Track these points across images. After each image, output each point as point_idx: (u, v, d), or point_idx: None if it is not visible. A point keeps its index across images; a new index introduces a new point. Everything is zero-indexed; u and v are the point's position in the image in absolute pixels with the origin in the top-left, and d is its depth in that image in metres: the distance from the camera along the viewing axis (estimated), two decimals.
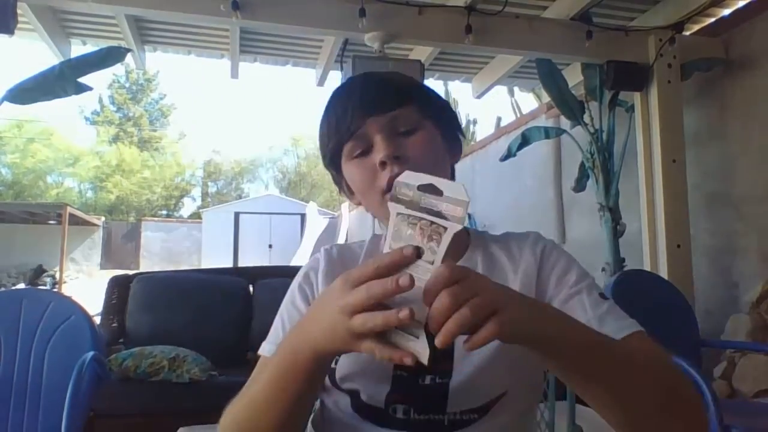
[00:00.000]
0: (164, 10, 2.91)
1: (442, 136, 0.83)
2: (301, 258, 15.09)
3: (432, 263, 0.51)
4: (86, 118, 28.96)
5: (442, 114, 0.85)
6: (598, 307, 0.76)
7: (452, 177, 0.87)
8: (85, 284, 14.00)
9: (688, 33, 3.59)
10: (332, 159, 0.85)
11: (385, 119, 0.78)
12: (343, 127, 0.80)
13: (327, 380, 0.80)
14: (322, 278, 0.85)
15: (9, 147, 23.10)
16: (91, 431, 1.77)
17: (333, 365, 0.78)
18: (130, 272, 3.75)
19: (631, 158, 3.57)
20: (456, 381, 0.74)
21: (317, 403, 0.87)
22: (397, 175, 0.70)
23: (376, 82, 0.83)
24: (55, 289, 11.95)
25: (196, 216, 23.72)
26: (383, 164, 0.77)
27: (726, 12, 3.54)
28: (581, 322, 0.68)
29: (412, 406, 0.74)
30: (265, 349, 0.83)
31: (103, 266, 17.13)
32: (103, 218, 18.99)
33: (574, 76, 3.98)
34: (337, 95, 0.84)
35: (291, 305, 0.86)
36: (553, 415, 1.42)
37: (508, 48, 3.46)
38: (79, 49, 3.91)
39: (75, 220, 14.92)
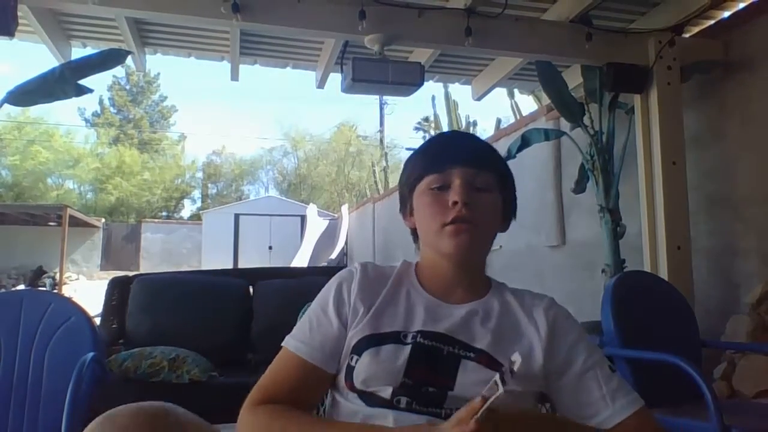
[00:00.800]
0: (164, 13, 2.91)
1: (503, 207, 1.01)
2: (301, 259, 15.08)
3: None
4: (86, 120, 29.03)
5: (510, 191, 1.04)
6: (610, 382, 0.92)
7: (493, 238, 1.03)
8: (85, 285, 14.00)
9: (687, 35, 3.60)
10: (412, 182, 1.00)
11: (469, 171, 0.95)
12: (435, 162, 0.97)
13: (343, 380, 0.92)
14: (356, 289, 0.97)
15: (9, 149, 23.12)
16: None
17: (353, 364, 0.91)
18: (130, 273, 3.75)
19: (631, 160, 3.57)
20: (456, 391, 0.87)
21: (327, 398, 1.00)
22: (464, 216, 0.92)
23: (474, 142, 1.03)
24: (55, 291, 11.95)
25: (196, 217, 23.74)
26: (455, 204, 0.93)
27: (725, 14, 3.55)
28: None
29: (414, 400, 0.87)
30: (290, 343, 0.95)
31: (103, 267, 17.15)
32: (103, 220, 19.00)
33: (574, 78, 3.99)
34: (440, 137, 1.07)
35: (322, 312, 0.97)
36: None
37: (508, 50, 3.47)
38: (79, 51, 3.92)
39: (75, 222, 14.92)
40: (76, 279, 15.30)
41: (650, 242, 3.29)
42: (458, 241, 0.93)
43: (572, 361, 0.93)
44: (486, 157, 1.00)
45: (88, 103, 29.94)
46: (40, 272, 15.02)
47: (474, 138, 1.05)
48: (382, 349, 0.90)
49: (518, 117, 7.03)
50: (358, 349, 0.91)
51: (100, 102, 28.75)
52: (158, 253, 18.78)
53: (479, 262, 1.02)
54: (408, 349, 0.90)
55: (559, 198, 5.04)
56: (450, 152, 0.98)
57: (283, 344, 0.96)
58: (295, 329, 0.98)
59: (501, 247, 6.00)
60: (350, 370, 0.90)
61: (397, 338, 0.91)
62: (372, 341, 0.91)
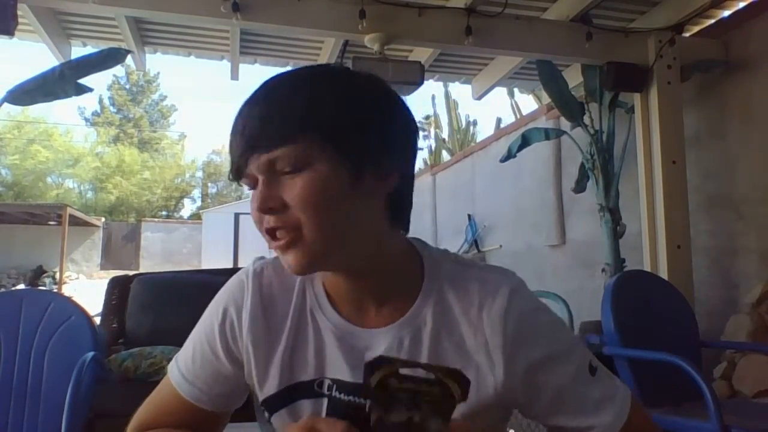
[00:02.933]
0: (164, 12, 2.91)
1: (351, 168, 0.64)
2: None
3: None
4: (86, 119, 29.07)
5: (359, 139, 0.64)
6: (591, 391, 0.70)
7: (391, 209, 0.69)
8: (85, 285, 14.01)
9: (687, 34, 3.60)
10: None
11: (265, 159, 0.63)
12: (233, 158, 0.67)
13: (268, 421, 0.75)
14: (248, 322, 0.73)
15: (9, 148, 23.12)
16: (91, 431, 1.77)
17: (267, 417, 0.74)
18: (130, 273, 3.74)
19: (631, 159, 3.57)
20: None
21: None
22: (271, 228, 0.64)
23: (265, 106, 0.65)
24: (55, 290, 11.95)
25: (196, 217, 23.75)
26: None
27: (726, 13, 3.54)
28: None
29: None
30: (174, 374, 0.77)
31: (103, 267, 17.15)
32: (103, 219, 19.01)
33: (574, 78, 3.99)
34: (238, 114, 0.67)
35: (209, 346, 0.75)
36: None
37: (508, 49, 3.46)
38: (79, 50, 3.92)
39: (75, 221, 14.93)
40: (76, 278, 15.31)
41: (650, 242, 3.28)
42: (288, 262, 0.66)
43: (542, 385, 0.69)
44: (283, 122, 0.63)
45: (87, 102, 30.11)
46: (39, 271, 15.03)
47: (267, 95, 0.66)
48: (298, 407, 0.71)
49: (518, 116, 7.04)
50: (270, 407, 0.73)
51: (100, 101, 28.82)
52: (158, 253, 18.79)
53: (364, 262, 0.69)
54: (324, 403, 0.71)
55: (559, 197, 5.04)
56: (238, 137, 0.65)
57: (168, 368, 0.78)
58: (181, 353, 0.78)
59: (501, 246, 6.00)
60: (269, 421, 0.75)
61: (311, 389, 0.71)
62: (284, 398, 0.72)
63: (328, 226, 0.64)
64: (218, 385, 0.75)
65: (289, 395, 0.72)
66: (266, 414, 0.74)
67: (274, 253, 0.73)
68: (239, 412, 0.82)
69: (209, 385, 0.74)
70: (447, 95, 9.95)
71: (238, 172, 0.67)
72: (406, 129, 0.70)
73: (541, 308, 0.73)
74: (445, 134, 10.21)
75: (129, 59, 3.70)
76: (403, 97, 0.72)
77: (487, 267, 0.75)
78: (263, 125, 0.64)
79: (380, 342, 0.70)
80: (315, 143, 0.63)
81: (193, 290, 3.18)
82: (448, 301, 0.71)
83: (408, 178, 0.71)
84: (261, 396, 0.73)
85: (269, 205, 0.64)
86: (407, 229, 0.74)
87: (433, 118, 11.46)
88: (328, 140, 0.63)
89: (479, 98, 4.59)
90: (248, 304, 0.74)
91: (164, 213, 28.03)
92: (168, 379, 0.77)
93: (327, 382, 0.71)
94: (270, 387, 0.72)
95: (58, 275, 13.74)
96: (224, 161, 31.79)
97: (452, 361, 0.68)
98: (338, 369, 0.70)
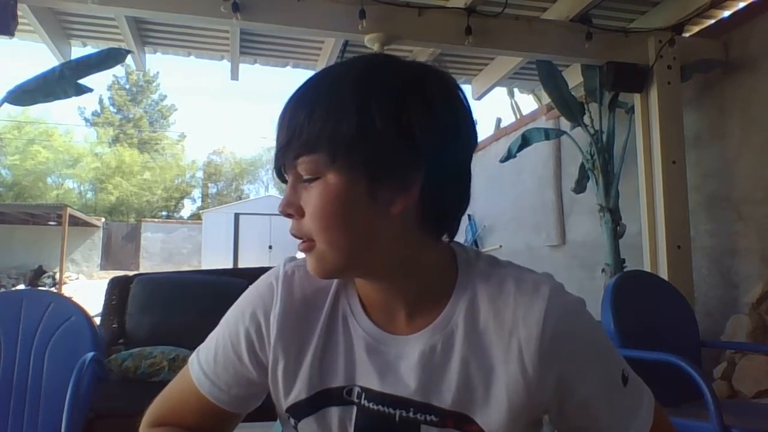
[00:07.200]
0: (164, 12, 2.91)
1: (371, 180, 0.61)
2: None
3: None
4: (86, 120, 29.05)
5: (370, 150, 0.60)
6: (623, 402, 0.68)
7: (423, 216, 0.64)
8: (85, 285, 14.02)
9: (687, 34, 3.60)
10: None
11: (290, 160, 0.64)
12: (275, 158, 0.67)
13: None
14: (275, 327, 0.71)
15: (9, 148, 23.13)
16: (91, 431, 1.76)
17: (292, 423, 0.73)
18: (130, 273, 3.74)
19: (631, 159, 3.57)
20: None
21: None
22: (293, 232, 0.65)
23: (295, 107, 0.65)
24: (55, 290, 11.95)
25: (196, 217, 23.75)
26: None
27: (726, 13, 3.55)
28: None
29: None
30: (194, 369, 0.76)
31: (103, 267, 17.15)
32: (103, 219, 19.00)
33: (574, 78, 3.99)
34: (285, 105, 0.67)
35: (232, 348, 0.74)
36: None
37: (508, 49, 3.47)
38: (79, 50, 3.93)
39: (75, 221, 14.93)
40: (76, 278, 15.31)
41: (650, 242, 3.28)
42: (308, 266, 0.67)
43: (573, 393, 0.67)
44: (304, 125, 0.62)
45: (87, 102, 30.07)
46: (40, 272, 15.02)
47: (297, 98, 0.66)
48: (326, 414, 0.70)
49: (518, 116, 7.04)
50: (297, 413, 0.72)
51: (100, 101, 28.81)
52: (158, 253, 18.79)
53: (390, 271, 0.67)
54: (353, 411, 0.69)
55: (559, 197, 5.04)
56: (277, 147, 0.66)
57: (189, 362, 0.78)
58: (203, 349, 0.77)
59: (501, 246, 6.00)
60: (296, 427, 0.74)
61: (340, 396, 0.70)
62: (313, 405, 0.71)
63: (339, 240, 0.63)
64: (239, 387, 0.75)
65: (317, 402, 0.70)
66: (292, 420, 0.72)
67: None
68: (259, 412, 0.81)
69: (230, 386, 0.74)
70: None
71: (279, 170, 0.67)
72: (434, 128, 0.63)
73: (583, 312, 0.68)
74: None
75: (129, 59, 3.70)
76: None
77: (523, 268, 0.71)
78: (293, 123, 0.63)
79: (412, 349, 0.68)
80: (329, 156, 0.61)
81: (193, 290, 3.18)
82: (481, 303, 0.68)
83: (447, 179, 0.65)
84: (287, 402, 0.72)
85: (288, 211, 0.65)
86: (450, 232, 0.69)
87: None
88: (338, 152, 0.61)
89: (479, 98, 4.60)
90: (277, 309, 0.72)
91: (164, 213, 28.02)
92: (187, 374, 0.77)
93: (356, 390, 0.69)
94: (298, 393, 0.71)
95: (58, 275, 13.75)
96: (224, 161, 31.82)
97: (483, 365, 0.66)
98: (368, 377, 0.69)
